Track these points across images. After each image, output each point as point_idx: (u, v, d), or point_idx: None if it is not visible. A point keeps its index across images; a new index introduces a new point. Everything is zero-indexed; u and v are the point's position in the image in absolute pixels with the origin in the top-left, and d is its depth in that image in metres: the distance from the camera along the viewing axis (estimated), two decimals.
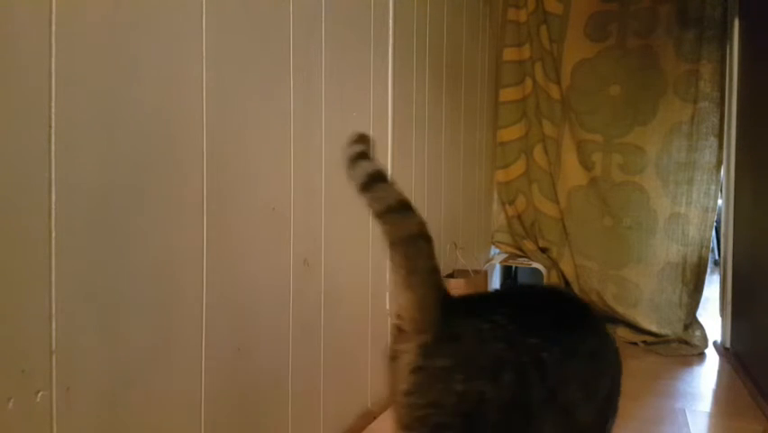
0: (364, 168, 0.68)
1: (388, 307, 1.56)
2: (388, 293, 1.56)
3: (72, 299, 0.66)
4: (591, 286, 2.37)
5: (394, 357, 0.71)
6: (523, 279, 2.91)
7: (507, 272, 2.95)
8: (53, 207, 0.64)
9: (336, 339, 1.28)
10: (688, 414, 1.54)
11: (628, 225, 2.35)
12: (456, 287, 1.78)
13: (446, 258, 2.03)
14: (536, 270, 2.52)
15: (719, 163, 2.24)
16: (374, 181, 0.67)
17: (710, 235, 2.26)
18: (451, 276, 2.01)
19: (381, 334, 1.53)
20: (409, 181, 1.69)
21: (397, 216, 0.67)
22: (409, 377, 0.68)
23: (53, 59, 0.63)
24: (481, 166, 2.49)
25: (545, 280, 2.50)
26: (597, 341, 0.79)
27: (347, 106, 1.31)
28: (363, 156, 0.69)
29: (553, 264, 2.52)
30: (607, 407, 0.78)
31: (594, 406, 0.75)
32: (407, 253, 0.67)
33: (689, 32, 2.26)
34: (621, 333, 2.29)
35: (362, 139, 0.71)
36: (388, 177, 0.68)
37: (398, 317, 0.71)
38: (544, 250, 2.58)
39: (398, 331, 0.72)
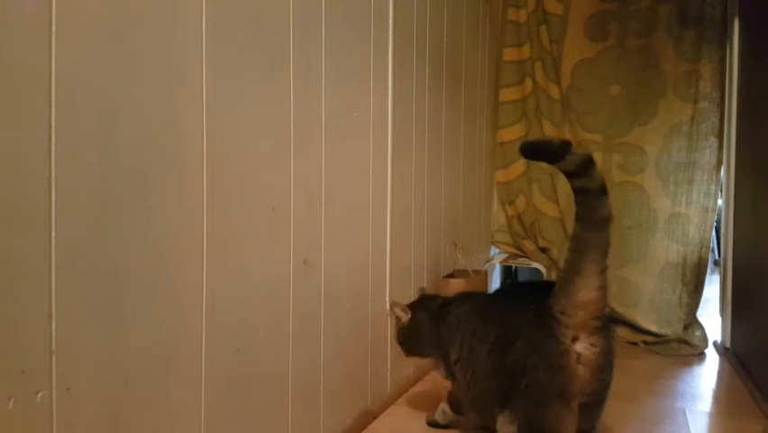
0: (599, 178, 0.87)
1: (388, 307, 1.56)
2: (388, 293, 1.56)
3: (72, 299, 0.66)
4: None
5: (567, 350, 0.92)
6: (523, 279, 2.90)
7: (507, 272, 2.95)
8: (53, 207, 0.64)
9: (336, 339, 1.28)
10: (688, 414, 1.54)
11: (628, 225, 2.34)
12: (456, 287, 1.77)
13: (446, 258, 2.03)
14: (536, 270, 2.52)
15: (719, 163, 2.24)
16: (605, 193, 0.88)
17: (710, 235, 2.26)
18: (451, 276, 2.01)
19: (381, 334, 1.53)
20: (409, 181, 1.69)
21: (606, 227, 0.91)
22: (598, 358, 0.93)
23: (53, 59, 0.63)
24: (481, 166, 2.49)
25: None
26: None
27: (347, 106, 1.31)
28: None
29: (553, 264, 2.52)
30: None
31: None
32: (604, 252, 0.91)
33: (689, 32, 2.26)
34: (621, 333, 2.29)
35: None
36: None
37: (568, 315, 0.92)
38: (543, 250, 2.58)
39: (566, 328, 0.92)
